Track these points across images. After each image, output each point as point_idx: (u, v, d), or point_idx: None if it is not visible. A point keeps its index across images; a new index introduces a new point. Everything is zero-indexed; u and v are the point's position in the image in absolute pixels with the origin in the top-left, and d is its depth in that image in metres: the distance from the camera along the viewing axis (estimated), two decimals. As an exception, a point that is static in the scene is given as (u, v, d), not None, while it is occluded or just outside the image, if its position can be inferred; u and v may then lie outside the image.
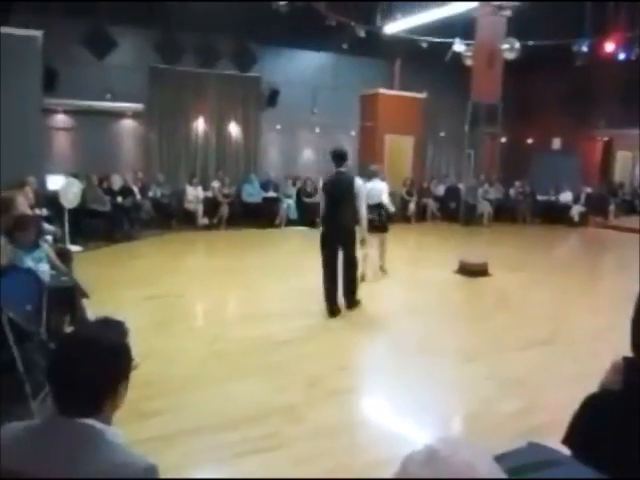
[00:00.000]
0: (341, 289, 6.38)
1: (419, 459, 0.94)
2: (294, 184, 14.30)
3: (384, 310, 6.62)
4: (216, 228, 12.79)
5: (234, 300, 7.12)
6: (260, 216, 13.30)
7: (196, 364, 4.71)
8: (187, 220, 12.70)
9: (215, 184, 13.53)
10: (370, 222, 6.99)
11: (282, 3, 9.03)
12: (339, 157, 6.20)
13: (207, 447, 3.40)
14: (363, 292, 6.96)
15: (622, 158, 18.80)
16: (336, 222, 6.20)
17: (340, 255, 6.27)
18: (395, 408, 4.08)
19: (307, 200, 14.03)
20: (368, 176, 8.01)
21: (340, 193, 6.14)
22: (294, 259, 10.06)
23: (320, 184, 6.83)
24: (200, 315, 6.57)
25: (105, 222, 10.71)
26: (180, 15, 11.33)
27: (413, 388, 4.39)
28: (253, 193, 13.61)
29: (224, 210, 13.03)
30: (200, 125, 14.15)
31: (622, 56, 12.08)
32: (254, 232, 12.60)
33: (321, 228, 6.38)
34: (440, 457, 0.93)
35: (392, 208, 8.64)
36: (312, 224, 13.57)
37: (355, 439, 3.57)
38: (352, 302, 6.43)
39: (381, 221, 8.14)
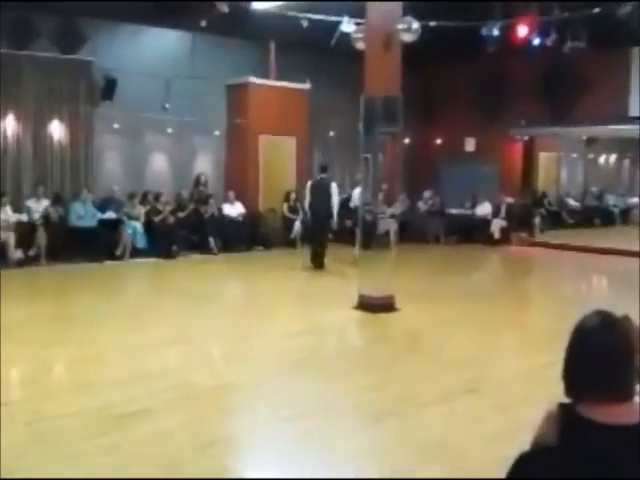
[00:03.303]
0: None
1: None
2: (142, 202, 13.98)
3: (264, 365, 6.55)
4: (34, 263, 12.15)
5: (62, 362, 6.76)
6: (95, 245, 12.85)
7: (9, 453, 4.38)
8: (-7, 255, 11.96)
9: (32, 204, 12.92)
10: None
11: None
12: (322, 168, 12.56)
13: None
14: (242, 342, 6.84)
15: (545, 161, 20.27)
16: (317, 212, 11.99)
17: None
18: (284, 492, 4.01)
19: (159, 222, 13.75)
20: (355, 184, 13.54)
21: (320, 193, 11.96)
22: (143, 304, 9.78)
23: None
24: (14, 386, 6.14)
25: None
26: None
27: (308, 462, 4.34)
28: (85, 215, 13.12)
29: (41, 238, 12.39)
30: (10, 125, 13.48)
31: (537, 41, 13.09)
32: (87, 267, 12.15)
33: (308, 217, 12.64)
34: None
35: None
36: (168, 254, 13.33)
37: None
38: (321, 265, 12.12)
39: None
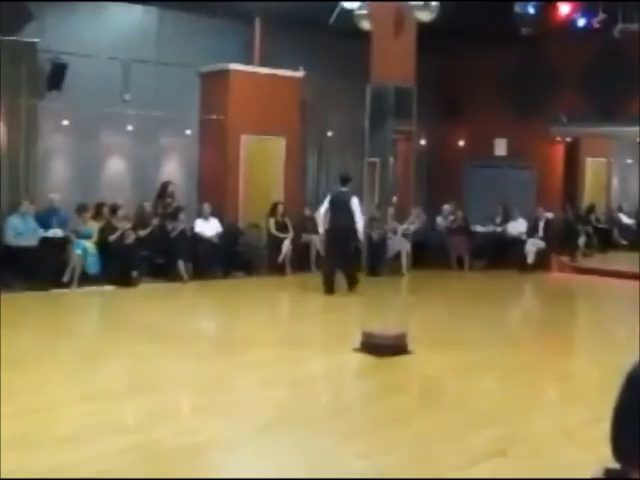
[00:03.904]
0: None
1: None
2: (95, 216, 13.96)
3: (242, 422, 6.54)
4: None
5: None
6: (37, 269, 12.82)
7: None
8: None
9: (-40, 219, 12.92)
10: None
11: None
12: (343, 180, 13.42)
13: None
14: (216, 393, 6.93)
15: (594, 167, 20.31)
16: (336, 228, 12.87)
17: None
18: None
19: (117, 242, 13.73)
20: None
21: (340, 207, 12.85)
22: (96, 343, 9.74)
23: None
24: None
25: None
26: None
27: None
28: (25, 232, 13.10)
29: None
30: None
31: (582, 22, 13.21)
32: (27, 297, 12.10)
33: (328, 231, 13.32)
34: None
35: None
36: (126, 281, 13.30)
37: None
38: (352, 285, 12.68)
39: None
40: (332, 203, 13.00)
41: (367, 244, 10.13)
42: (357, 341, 8.92)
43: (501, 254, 17.03)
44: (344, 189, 13.14)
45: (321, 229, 13.62)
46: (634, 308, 13.15)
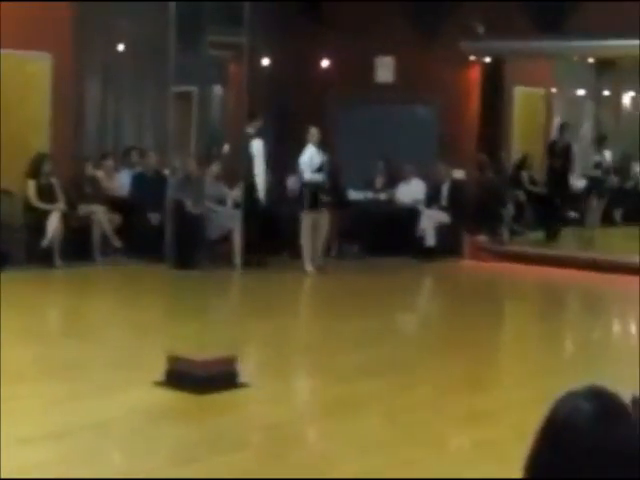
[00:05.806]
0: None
1: None
2: None
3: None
4: None
5: None
6: None
7: None
8: None
9: None
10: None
11: None
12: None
13: None
14: None
15: (526, 102, 20.74)
16: None
17: None
18: None
19: None
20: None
21: None
22: None
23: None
24: None
25: None
26: None
27: None
28: None
29: None
30: None
31: None
32: None
33: None
34: None
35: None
36: None
37: None
38: None
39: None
40: None
41: (173, 220, 10.04)
42: (160, 370, 8.84)
43: (386, 233, 17.31)
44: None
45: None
46: (583, 313, 13.58)
